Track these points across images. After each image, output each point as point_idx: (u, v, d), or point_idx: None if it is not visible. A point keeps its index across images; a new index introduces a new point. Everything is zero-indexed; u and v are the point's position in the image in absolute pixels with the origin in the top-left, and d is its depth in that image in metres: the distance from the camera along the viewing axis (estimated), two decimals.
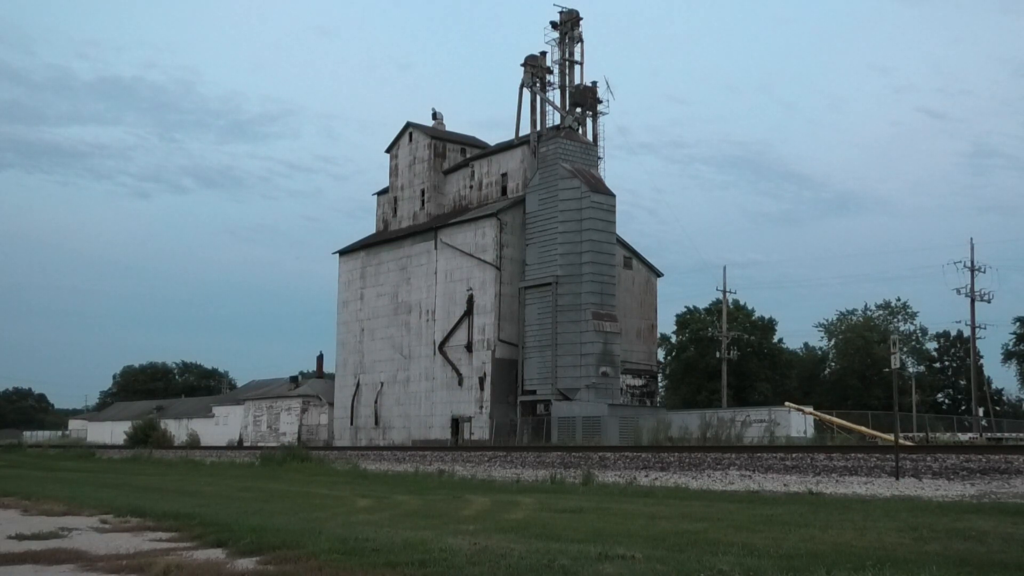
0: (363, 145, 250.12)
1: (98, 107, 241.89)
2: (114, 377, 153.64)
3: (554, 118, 60.40)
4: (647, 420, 46.82)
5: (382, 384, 65.82)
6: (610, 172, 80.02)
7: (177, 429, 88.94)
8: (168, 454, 59.20)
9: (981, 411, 69.57)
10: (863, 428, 49.21)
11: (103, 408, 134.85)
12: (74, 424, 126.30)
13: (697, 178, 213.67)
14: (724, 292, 76.37)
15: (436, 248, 62.30)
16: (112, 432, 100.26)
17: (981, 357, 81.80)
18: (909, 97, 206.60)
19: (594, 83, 61.20)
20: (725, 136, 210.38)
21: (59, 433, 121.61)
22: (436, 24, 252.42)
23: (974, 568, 8.67)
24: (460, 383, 58.92)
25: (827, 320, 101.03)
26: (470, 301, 58.85)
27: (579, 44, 61.06)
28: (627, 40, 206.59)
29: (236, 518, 13.79)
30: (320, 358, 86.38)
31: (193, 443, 77.27)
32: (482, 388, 57.27)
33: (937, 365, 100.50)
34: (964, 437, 51.92)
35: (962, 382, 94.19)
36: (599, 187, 56.31)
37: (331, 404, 73.06)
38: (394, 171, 70.47)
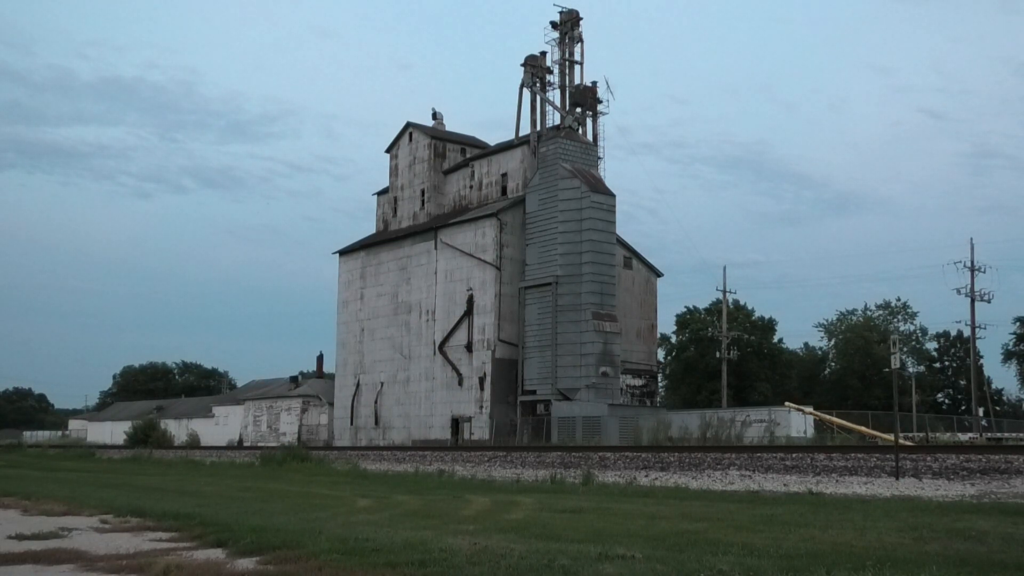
0: (363, 145, 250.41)
1: (99, 107, 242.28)
2: (114, 377, 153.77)
3: (554, 118, 60.42)
4: (647, 420, 46.81)
5: (382, 384, 65.82)
6: (610, 172, 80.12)
7: (177, 429, 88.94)
8: (168, 454, 59.18)
9: (981, 411, 69.54)
10: (863, 428, 49.17)
11: (103, 408, 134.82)
12: (74, 424, 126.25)
13: (697, 178, 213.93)
14: (724, 292, 76.40)
15: (436, 248, 62.30)
16: (112, 432, 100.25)
17: (981, 357, 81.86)
18: (909, 97, 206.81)
19: (594, 83, 61.23)
20: (725, 136, 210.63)
21: (59, 433, 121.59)
22: (436, 24, 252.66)
23: (974, 568, 8.66)
24: (460, 383, 58.91)
25: (827, 320, 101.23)
26: (470, 301, 58.85)
27: (579, 44, 61.05)
28: (627, 40, 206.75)
29: (236, 518, 13.78)
30: (320, 358, 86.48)
31: (193, 443, 77.27)
32: (482, 388, 57.26)
33: (937, 365, 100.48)
34: (964, 437, 51.89)
35: (962, 382, 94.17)
36: (599, 187, 56.31)
37: (331, 404, 73.05)
38: (394, 171, 70.47)
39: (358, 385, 68.07)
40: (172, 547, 10.92)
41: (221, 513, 14.88)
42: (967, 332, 73.40)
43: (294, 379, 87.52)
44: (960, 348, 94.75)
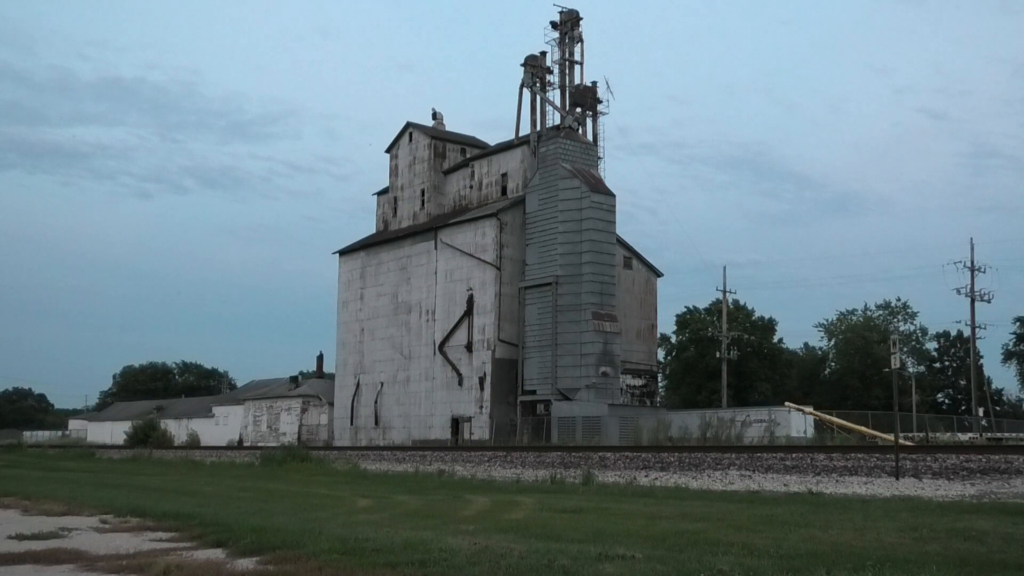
0: (364, 145, 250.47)
1: (100, 108, 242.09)
2: (114, 377, 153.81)
3: (554, 118, 60.42)
4: (647, 420, 46.81)
5: (382, 384, 65.82)
6: (610, 172, 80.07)
7: (177, 429, 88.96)
8: (168, 454, 59.18)
9: (981, 411, 69.56)
10: (863, 428, 49.17)
11: (103, 408, 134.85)
12: (74, 424, 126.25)
13: (697, 178, 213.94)
14: (724, 292, 76.43)
15: (436, 248, 62.30)
16: (112, 432, 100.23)
17: (981, 357, 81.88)
18: (909, 98, 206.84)
19: (594, 83, 61.22)
20: (725, 136, 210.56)
21: (59, 433, 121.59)
22: (436, 24, 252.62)
23: (974, 568, 8.67)
24: (460, 383, 58.91)
25: (827, 320, 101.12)
26: (470, 301, 58.86)
27: (579, 44, 61.05)
28: (627, 40, 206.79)
29: (236, 518, 13.77)
30: (320, 358, 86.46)
31: (193, 443, 77.27)
32: (482, 388, 57.26)
33: (937, 365, 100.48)
34: (964, 437, 51.89)
35: (962, 382, 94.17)
36: (599, 187, 56.31)
37: (331, 404, 73.05)
38: (394, 171, 70.49)
39: (358, 385, 68.07)
40: (172, 547, 10.92)
41: (221, 513, 14.87)
42: (967, 332, 73.51)
43: (294, 379, 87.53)
44: (960, 348, 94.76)
